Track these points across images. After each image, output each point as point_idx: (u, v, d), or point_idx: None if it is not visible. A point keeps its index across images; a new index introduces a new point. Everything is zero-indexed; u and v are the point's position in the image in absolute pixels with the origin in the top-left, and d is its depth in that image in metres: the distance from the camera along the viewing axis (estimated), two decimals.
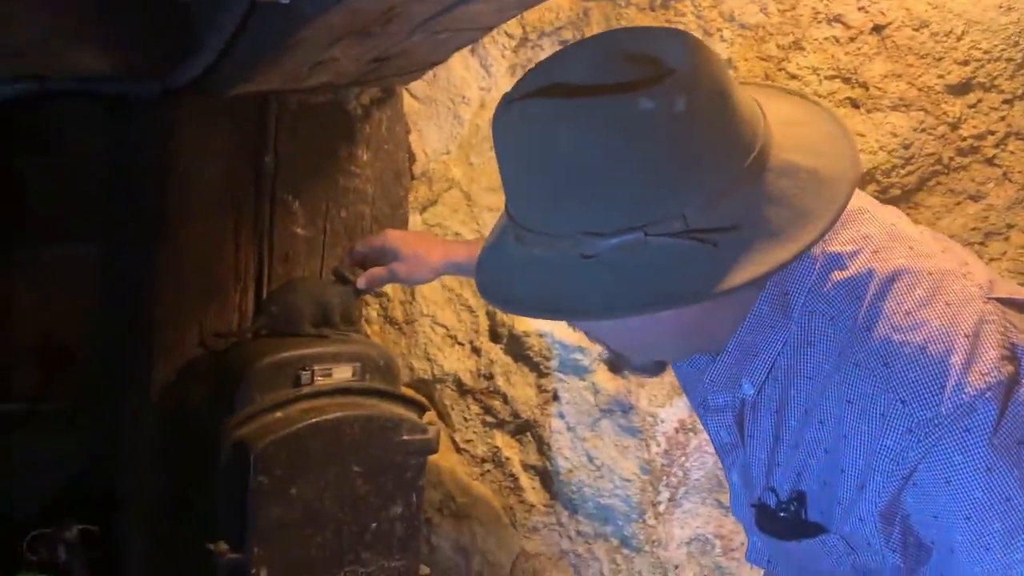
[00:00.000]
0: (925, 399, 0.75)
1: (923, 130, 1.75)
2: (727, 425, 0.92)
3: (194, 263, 1.60)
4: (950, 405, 0.74)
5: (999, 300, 0.79)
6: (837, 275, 0.81)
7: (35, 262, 1.73)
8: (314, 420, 1.38)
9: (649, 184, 0.72)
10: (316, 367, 1.44)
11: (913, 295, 0.78)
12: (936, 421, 0.74)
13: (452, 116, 1.95)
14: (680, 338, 0.85)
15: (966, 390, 0.74)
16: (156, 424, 1.59)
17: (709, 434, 0.98)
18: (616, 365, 0.93)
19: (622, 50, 0.75)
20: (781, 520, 0.87)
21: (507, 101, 0.77)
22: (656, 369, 0.94)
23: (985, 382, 0.74)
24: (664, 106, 0.71)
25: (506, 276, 0.81)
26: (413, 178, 1.95)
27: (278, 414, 1.38)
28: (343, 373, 1.47)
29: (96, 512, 1.64)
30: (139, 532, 1.59)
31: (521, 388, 2.05)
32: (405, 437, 1.47)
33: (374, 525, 1.45)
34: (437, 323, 2.06)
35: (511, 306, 0.82)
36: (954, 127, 1.74)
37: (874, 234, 0.83)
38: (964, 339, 0.76)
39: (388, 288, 2.00)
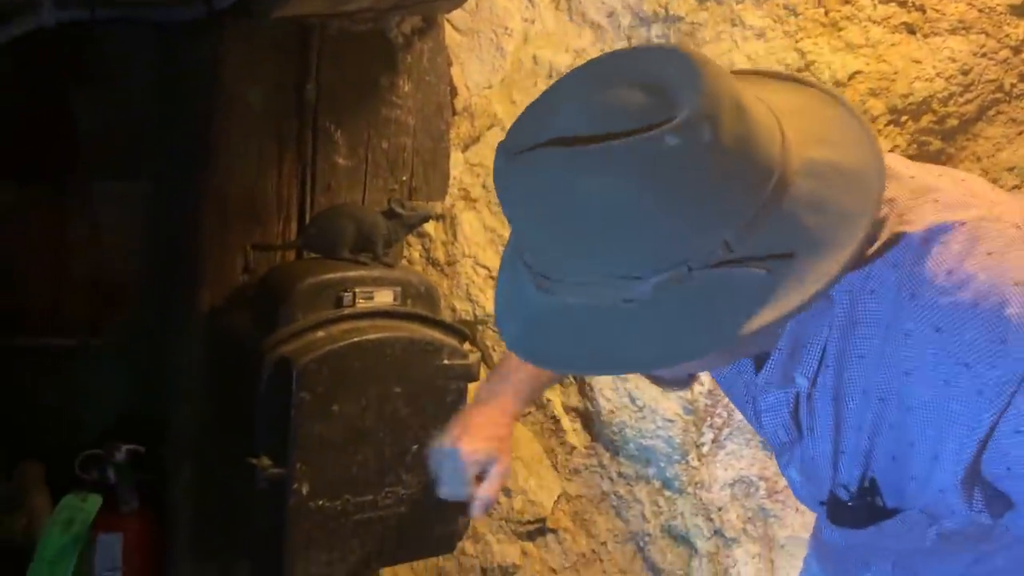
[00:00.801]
0: (988, 358, 0.72)
1: (983, 54, 1.68)
2: (783, 423, 0.89)
3: (238, 191, 1.61)
4: (1016, 359, 0.71)
5: None
6: (868, 248, 0.77)
7: (87, 197, 1.76)
8: (356, 339, 1.39)
9: (685, 217, 0.69)
10: (358, 289, 1.44)
11: (951, 251, 0.75)
12: (1005, 378, 0.72)
13: (495, 48, 1.93)
14: (730, 355, 0.83)
15: None
16: (203, 349, 1.61)
17: (764, 434, 0.94)
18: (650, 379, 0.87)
19: (621, 80, 0.70)
20: (853, 511, 0.85)
21: (509, 153, 0.72)
22: (688, 381, 0.93)
23: None
24: (691, 139, 0.67)
25: (538, 329, 0.75)
26: (455, 113, 1.94)
27: (320, 333, 1.39)
28: (384, 297, 1.47)
29: (146, 438, 1.68)
30: (185, 454, 1.62)
31: None
32: (446, 361, 1.47)
33: (415, 447, 1.45)
34: (479, 264, 2.05)
35: (557, 365, 0.80)
36: (1017, 51, 1.67)
37: (897, 196, 0.79)
38: (1015, 287, 0.72)
39: (430, 228, 2.00)
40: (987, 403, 0.72)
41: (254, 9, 1.51)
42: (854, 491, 0.84)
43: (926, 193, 0.79)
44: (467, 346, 1.60)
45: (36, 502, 1.56)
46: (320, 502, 1.38)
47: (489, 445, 1.17)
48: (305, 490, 1.36)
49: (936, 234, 0.76)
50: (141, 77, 1.72)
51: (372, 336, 1.40)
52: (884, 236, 0.77)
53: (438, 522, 1.49)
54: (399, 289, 1.49)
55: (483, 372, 1.84)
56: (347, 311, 1.43)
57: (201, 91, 1.61)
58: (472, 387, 1.60)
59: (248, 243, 1.62)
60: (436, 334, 1.50)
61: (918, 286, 0.75)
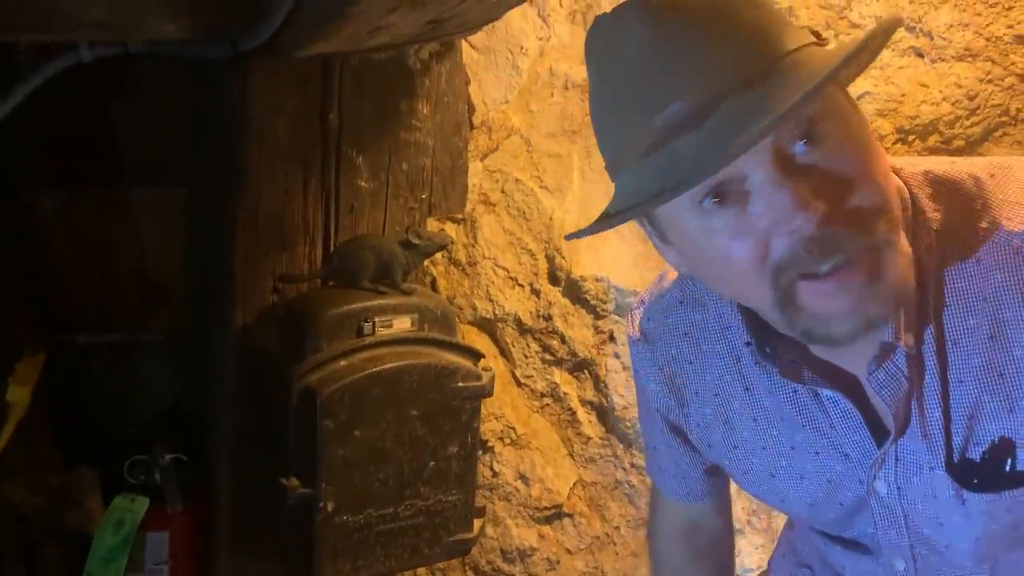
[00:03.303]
0: None
1: (990, 80, 1.70)
2: (903, 395, 0.80)
3: (267, 216, 1.71)
4: None
5: None
6: (937, 185, 0.79)
7: (130, 203, 1.87)
8: (376, 369, 1.49)
9: None
10: (377, 318, 1.54)
11: (1019, 176, 0.77)
12: None
13: (511, 66, 1.98)
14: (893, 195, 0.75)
15: None
16: (236, 361, 1.73)
17: (850, 445, 0.85)
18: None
19: None
20: (987, 472, 0.78)
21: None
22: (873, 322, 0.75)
23: None
24: None
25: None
26: (473, 128, 2.00)
27: (342, 362, 1.50)
28: (402, 324, 1.57)
29: (188, 435, 1.82)
30: (225, 458, 1.75)
31: (578, 329, 2.13)
32: (460, 384, 1.56)
33: (432, 463, 1.57)
34: (499, 265, 2.14)
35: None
36: (1023, 78, 1.69)
37: (930, 159, 0.83)
38: None
39: (451, 231, 2.08)
40: None
41: (278, 49, 1.58)
42: (978, 459, 0.79)
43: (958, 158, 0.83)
44: (482, 363, 1.69)
45: (91, 504, 1.71)
46: (345, 517, 1.50)
47: None
48: (331, 507, 1.49)
49: (995, 170, 0.79)
50: (176, 97, 1.81)
51: (390, 365, 1.51)
52: (948, 173, 0.80)
53: (455, 530, 1.62)
54: (416, 315, 1.59)
55: (503, 372, 1.93)
56: (368, 340, 1.53)
57: (229, 121, 1.70)
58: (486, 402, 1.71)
59: (276, 265, 1.72)
60: (451, 357, 1.60)
61: (1006, 209, 0.76)
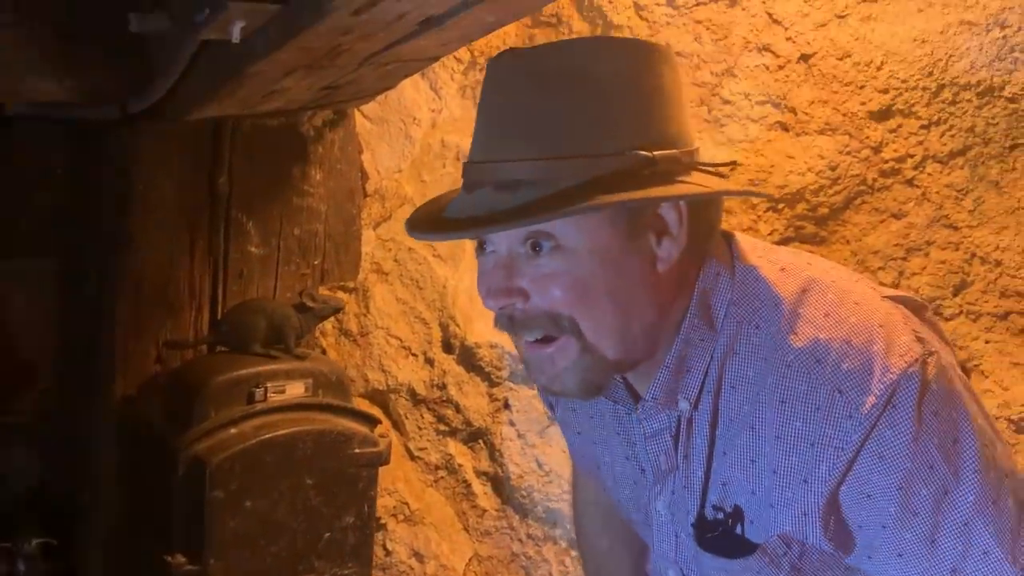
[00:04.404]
0: (860, 385, 0.82)
1: (848, 152, 1.85)
2: (665, 448, 0.95)
3: (151, 282, 1.65)
4: (880, 387, 0.81)
5: (890, 298, 0.90)
6: (755, 286, 0.89)
7: None
8: (268, 436, 1.44)
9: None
10: (269, 384, 1.50)
11: (827, 299, 0.87)
12: (871, 403, 0.81)
13: (403, 136, 2.02)
14: (624, 309, 0.87)
15: (891, 371, 0.82)
16: (116, 437, 1.64)
17: (643, 463, 0.98)
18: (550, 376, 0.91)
19: None
20: (720, 537, 0.91)
21: None
22: (586, 390, 0.91)
23: (905, 361, 0.82)
24: None
25: None
26: (366, 195, 2.01)
27: (232, 430, 1.44)
28: (296, 389, 1.53)
29: (55, 523, 1.69)
30: (98, 544, 1.64)
31: (473, 397, 2.12)
32: (356, 450, 1.53)
33: (327, 534, 1.51)
34: (391, 335, 2.12)
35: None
36: (876, 150, 1.84)
37: (779, 255, 0.93)
38: (879, 328, 0.84)
39: (343, 299, 2.06)
40: (856, 426, 0.82)
41: (167, 112, 1.56)
42: (720, 517, 0.90)
43: (802, 257, 0.94)
44: (379, 429, 1.66)
45: None
46: None
47: None
48: None
49: (814, 284, 0.88)
50: (53, 163, 1.74)
51: (283, 431, 1.46)
52: (769, 281, 0.89)
53: None
54: (311, 380, 1.55)
55: (396, 446, 1.90)
56: (259, 407, 1.48)
57: (115, 184, 1.65)
58: (386, 468, 1.67)
59: (161, 333, 1.66)
60: (347, 423, 1.57)
61: (799, 324, 0.86)
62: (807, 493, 0.85)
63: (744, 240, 0.94)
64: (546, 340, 0.88)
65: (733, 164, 0.95)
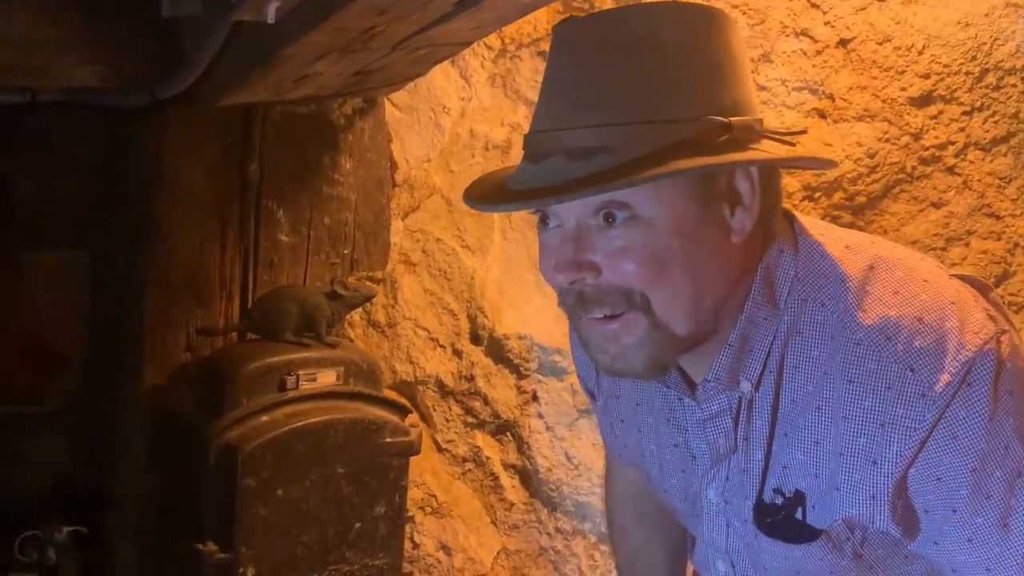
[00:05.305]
0: (933, 363, 0.79)
1: (887, 140, 1.82)
2: (725, 431, 0.91)
3: (181, 269, 1.64)
4: (956, 365, 0.79)
5: (956, 276, 0.87)
6: (820, 263, 0.86)
7: (27, 267, 1.76)
8: (299, 424, 1.43)
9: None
10: (301, 372, 1.48)
11: (894, 276, 0.84)
12: (946, 381, 0.79)
13: (433, 125, 2.00)
14: (698, 282, 0.84)
15: (966, 348, 0.79)
16: (146, 426, 1.63)
17: (695, 450, 0.95)
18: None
19: None
20: (781, 521, 0.88)
21: None
22: (652, 368, 0.87)
23: (980, 339, 0.80)
24: None
25: None
26: (395, 185, 1.99)
27: (264, 418, 1.43)
28: (327, 378, 1.51)
29: (84, 512, 1.68)
30: (129, 532, 1.63)
31: (501, 390, 2.10)
32: (388, 439, 1.51)
33: (358, 524, 1.49)
34: (419, 326, 2.10)
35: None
36: (916, 137, 1.81)
37: (841, 233, 0.90)
38: (952, 306, 0.82)
39: (374, 288, 2.05)
40: (930, 405, 0.79)
41: (199, 97, 1.55)
42: (780, 502, 0.88)
43: (865, 235, 0.92)
44: (409, 418, 1.65)
45: None
46: None
47: None
48: (251, 573, 1.39)
49: (880, 262, 0.86)
50: (83, 150, 1.74)
51: (315, 419, 1.45)
52: (834, 257, 0.86)
53: None
54: (342, 369, 1.53)
55: (424, 438, 1.88)
56: (290, 394, 1.46)
57: (144, 171, 1.64)
58: (414, 460, 1.65)
59: (190, 322, 1.65)
60: (378, 411, 1.55)
61: (867, 301, 0.83)
62: (876, 475, 0.82)
63: (805, 219, 0.91)
64: (612, 316, 0.84)
65: (803, 132, 0.91)
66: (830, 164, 0.90)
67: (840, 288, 0.85)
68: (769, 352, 0.87)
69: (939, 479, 0.81)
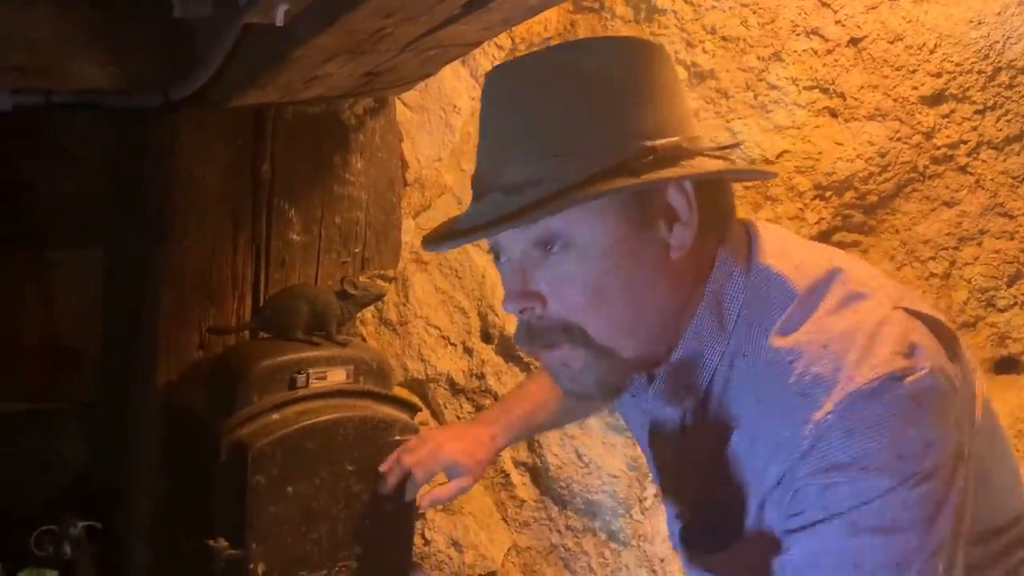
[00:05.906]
0: (822, 392, 0.80)
1: (899, 139, 1.81)
2: (672, 443, 0.97)
3: (194, 269, 1.66)
4: (839, 396, 0.78)
5: (907, 310, 0.85)
6: (767, 288, 0.87)
7: (42, 264, 1.78)
8: (309, 422, 1.44)
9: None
10: (311, 370, 1.49)
11: (828, 304, 0.85)
12: (827, 410, 0.79)
13: (444, 124, 2.01)
14: (639, 302, 0.87)
15: (853, 381, 0.79)
16: (159, 423, 1.65)
17: (656, 453, 1.02)
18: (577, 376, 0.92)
19: None
20: (708, 530, 0.91)
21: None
22: (604, 391, 0.92)
23: (874, 373, 0.78)
24: None
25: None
26: (406, 184, 2.00)
27: (275, 416, 1.44)
28: (337, 376, 1.52)
29: (98, 508, 1.70)
30: (142, 529, 1.65)
31: (511, 387, 2.11)
32: (397, 437, 1.52)
33: (367, 521, 1.50)
34: (431, 324, 2.11)
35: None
36: (928, 136, 1.80)
37: (796, 247, 0.91)
38: (864, 337, 0.81)
39: (385, 287, 2.06)
40: (810, 431, 0.80)
41: (210, 98, 1.56)
42: (711, 511, 0.91)
43: (824, 252, 0.92)
44: (419, 416, 1.66)
45: None
46: None
47: (466, 460, 1.36)
48: (261, 569, 1.41)
49: (820, 287, 0.86)
50: (97, 151, 1.76)
51: (325, 417, 1.45)
52: (781, 281, 0.87)
53: None
54: (352, 367, 1.54)
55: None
56: (301, 392, 1.47)
57: (157, 171, 1.66)
58: None
59: (203, 320, 1.66)
60: (388, 410, 1.56)
61: (792, 327, 0.84)
62: (759, 492, 0.85)
63: (765, 231, 0.92)
64: (554, 346, 0.90)
65: (736, 145, 0.96)
66: (769, 175, 0.93)
67: (778, 314, 0.86)
68: (715, 371, 0.89)
69: (799, 514, 0.82)
